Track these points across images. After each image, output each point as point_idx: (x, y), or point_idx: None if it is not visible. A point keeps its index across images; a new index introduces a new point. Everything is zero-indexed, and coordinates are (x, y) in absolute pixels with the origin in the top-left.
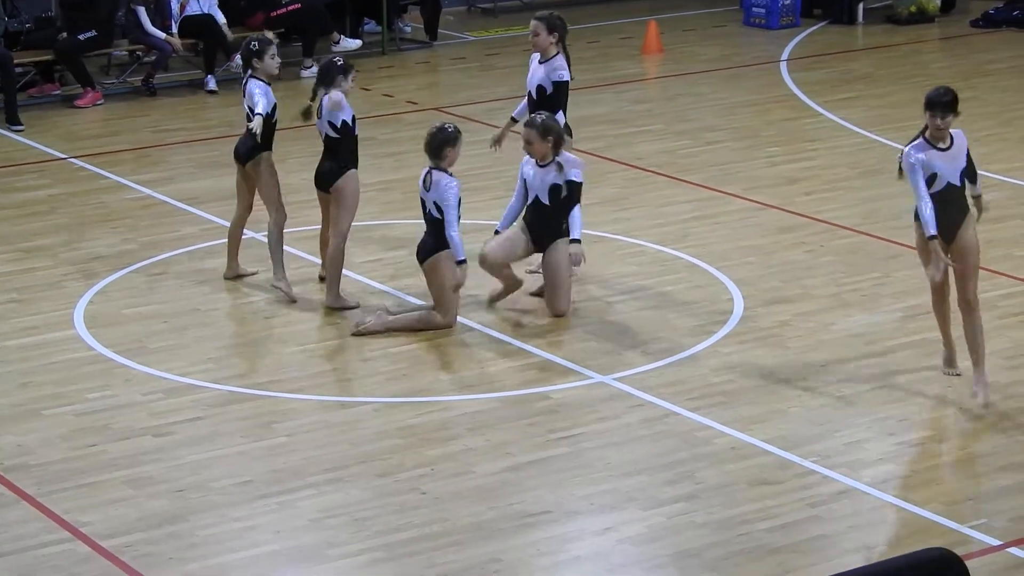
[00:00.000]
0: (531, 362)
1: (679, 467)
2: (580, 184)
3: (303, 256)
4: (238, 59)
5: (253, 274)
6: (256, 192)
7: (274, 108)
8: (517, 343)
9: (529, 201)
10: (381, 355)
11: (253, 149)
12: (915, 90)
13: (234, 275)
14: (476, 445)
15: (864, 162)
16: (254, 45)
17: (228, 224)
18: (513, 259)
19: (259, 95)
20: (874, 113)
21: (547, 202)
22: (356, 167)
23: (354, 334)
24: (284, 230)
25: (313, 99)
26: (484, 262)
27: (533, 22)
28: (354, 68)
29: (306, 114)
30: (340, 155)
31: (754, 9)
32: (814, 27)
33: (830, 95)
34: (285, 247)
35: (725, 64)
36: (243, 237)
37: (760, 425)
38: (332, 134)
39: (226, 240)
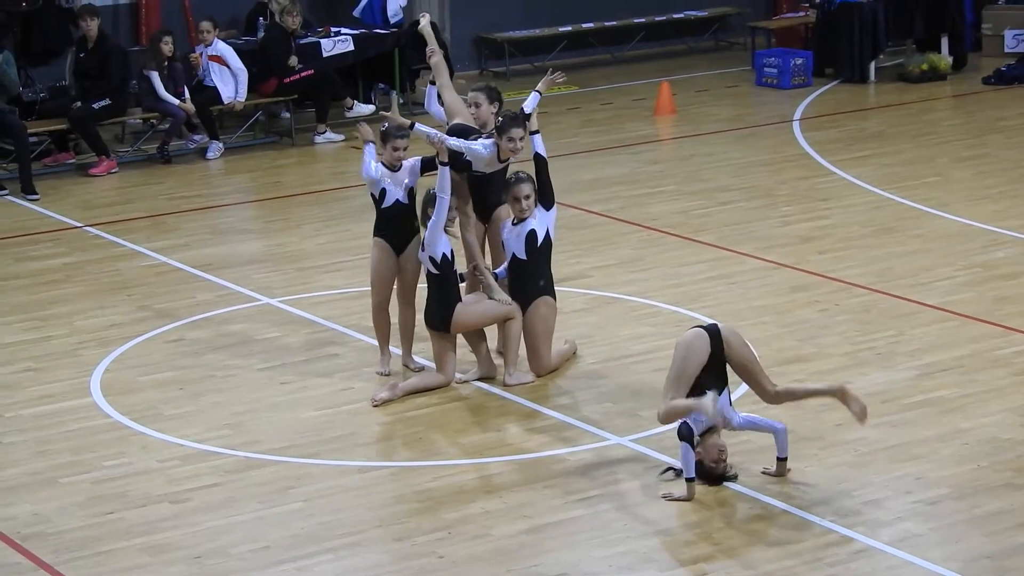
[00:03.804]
0: (547, 424)
1: (697, 528)
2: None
3: (318, 321)
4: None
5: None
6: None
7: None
8: (533, 405)
9: (508, 262)
10: (397, 419)
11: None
12: (928, 148)
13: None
14: (493, 508)
15: (877, 220)
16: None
17: (242, 290)
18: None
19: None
20: (887, 171)
21: (524, 256)
22: (382, 236)
23: (375, 406)
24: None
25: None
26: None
27: (473, 93)
28: (395, 136)
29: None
30: (376, 222)
31: (766, 69)
32: (826, 86)
33: (843, 154)
34: (302, 313)
35: (738, 124)
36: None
37: (777, 485)
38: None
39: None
